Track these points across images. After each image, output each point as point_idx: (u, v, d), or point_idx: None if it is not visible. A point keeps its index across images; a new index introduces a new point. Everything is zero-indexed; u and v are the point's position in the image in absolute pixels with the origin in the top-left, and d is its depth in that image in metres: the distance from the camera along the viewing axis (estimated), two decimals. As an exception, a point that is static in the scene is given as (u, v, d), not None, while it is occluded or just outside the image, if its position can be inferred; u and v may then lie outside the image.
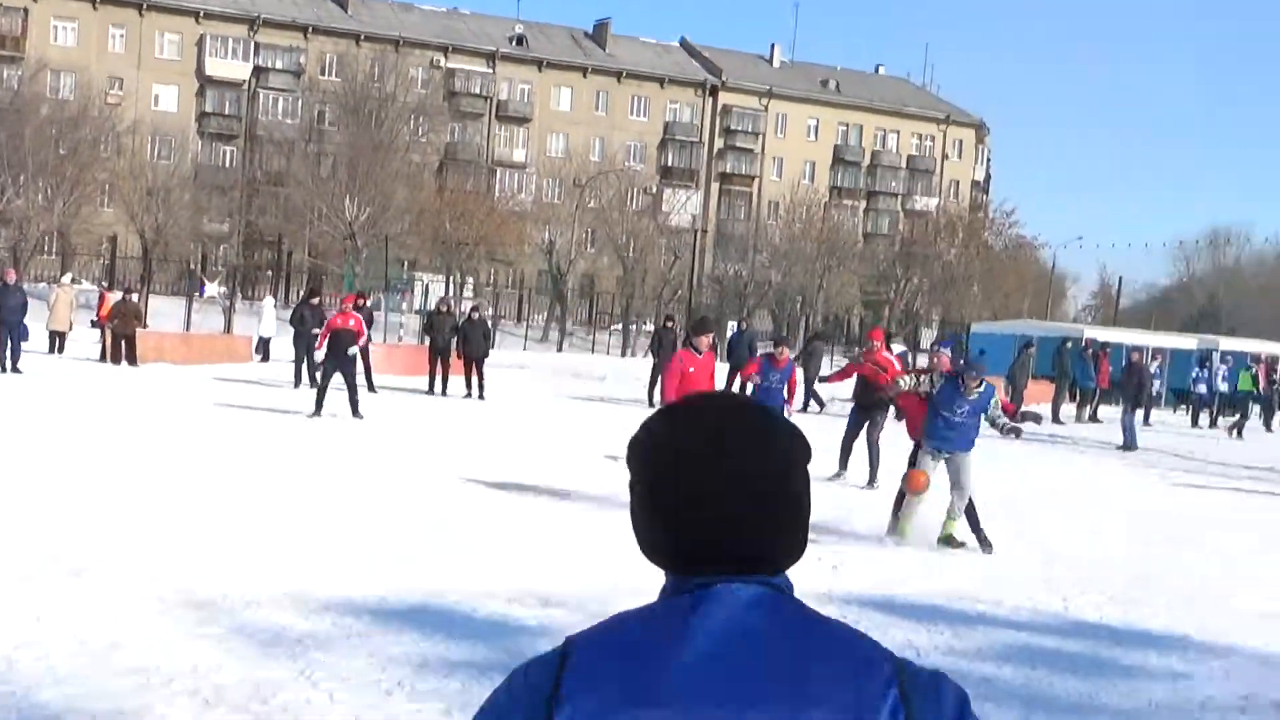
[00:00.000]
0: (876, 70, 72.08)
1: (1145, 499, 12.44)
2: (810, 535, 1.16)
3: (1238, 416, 24.56)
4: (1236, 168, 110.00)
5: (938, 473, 8.37)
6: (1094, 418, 23.94)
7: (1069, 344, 26.10)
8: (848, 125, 67.31)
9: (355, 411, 14.14)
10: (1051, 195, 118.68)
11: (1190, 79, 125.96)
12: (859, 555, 7.73)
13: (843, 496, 9.94)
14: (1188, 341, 34.11)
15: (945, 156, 69.15)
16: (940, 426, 8.32)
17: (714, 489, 1.07)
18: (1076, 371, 24.71)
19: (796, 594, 1.13)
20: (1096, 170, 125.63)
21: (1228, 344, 33.85)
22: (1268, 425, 26.24)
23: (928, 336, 54.91)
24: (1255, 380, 26.63)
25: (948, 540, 8.18)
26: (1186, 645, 6.05)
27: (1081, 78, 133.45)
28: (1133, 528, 10.06)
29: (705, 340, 9.95)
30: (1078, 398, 24.71)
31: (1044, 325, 36.50)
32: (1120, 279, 59.98)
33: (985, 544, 8.20)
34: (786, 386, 10.86)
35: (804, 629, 1.08)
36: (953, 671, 1.51)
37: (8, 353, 17.54)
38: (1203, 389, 27.14)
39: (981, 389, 8.35)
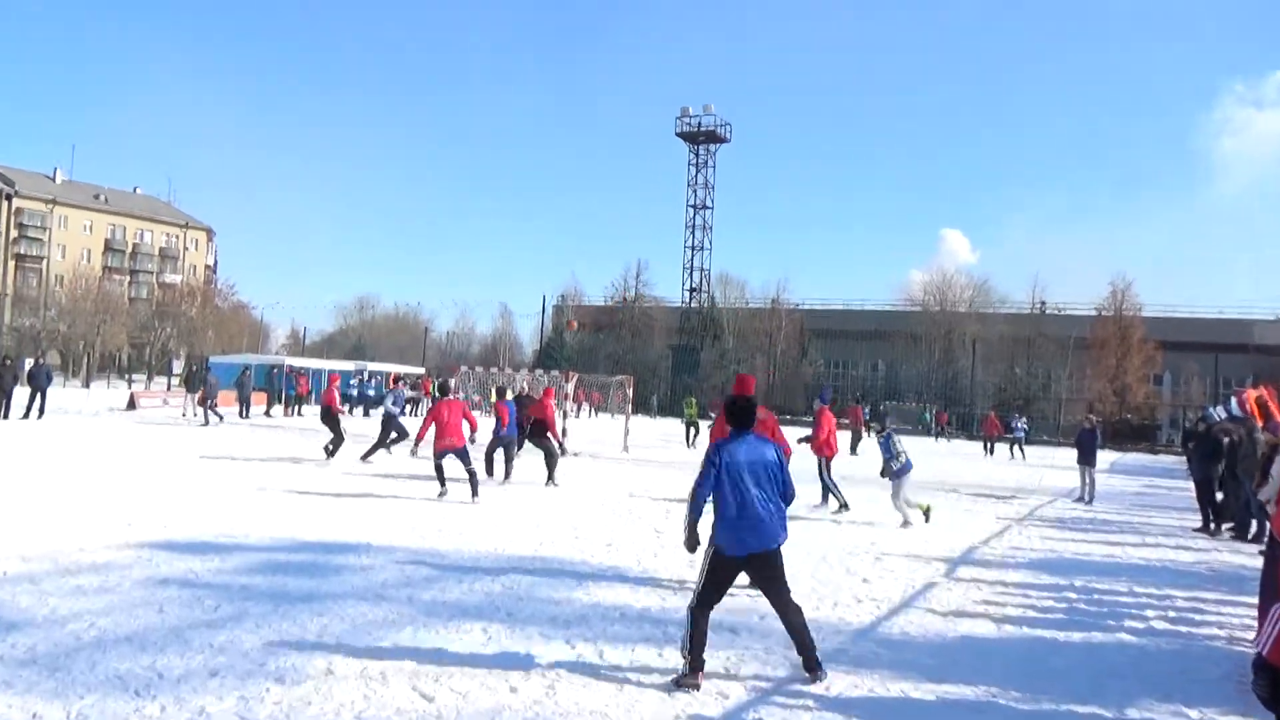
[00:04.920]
0: (135, 190, 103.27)
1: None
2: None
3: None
4: (375, 252, 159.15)
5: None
6: (299, 413, 35.81)
7: (276, 369, 39.95)
8: (114, 225, 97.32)
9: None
10: (265, 274, 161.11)
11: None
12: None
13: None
14: (350, 365, 51.61)
15: (186, 249, 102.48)
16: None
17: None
18: (281, 383, 37.18)
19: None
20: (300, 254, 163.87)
21: (374, 366, 52.56)
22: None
23: (178, 365, 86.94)
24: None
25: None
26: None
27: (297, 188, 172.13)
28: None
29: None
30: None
31: (257, 357, 54.15)
32: (305, 328, 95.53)
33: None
34: None
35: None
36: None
37: None
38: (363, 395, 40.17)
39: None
